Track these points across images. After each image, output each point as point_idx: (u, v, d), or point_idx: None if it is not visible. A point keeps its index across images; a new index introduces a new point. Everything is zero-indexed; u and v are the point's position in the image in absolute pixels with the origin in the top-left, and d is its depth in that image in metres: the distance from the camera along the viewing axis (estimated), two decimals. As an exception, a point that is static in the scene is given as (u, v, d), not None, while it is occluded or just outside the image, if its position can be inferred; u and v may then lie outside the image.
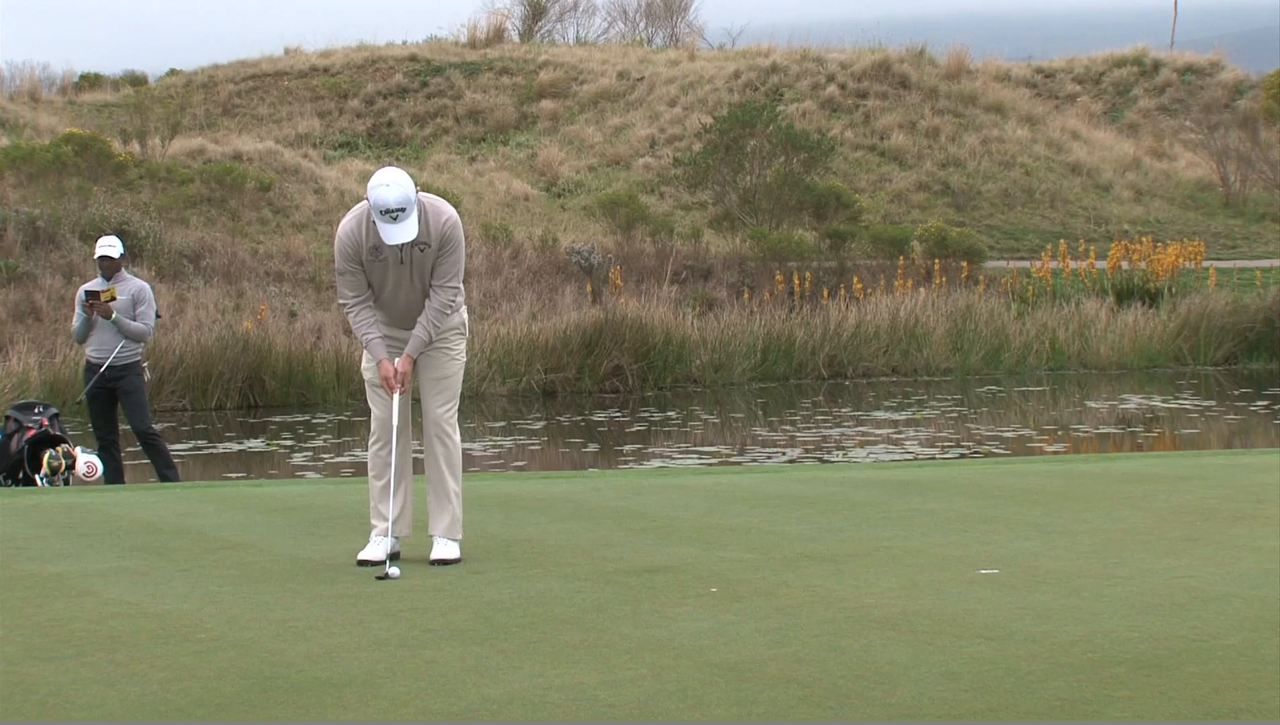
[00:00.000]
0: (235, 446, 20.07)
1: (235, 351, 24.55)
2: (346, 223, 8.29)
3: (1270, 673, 5.59)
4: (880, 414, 22.43)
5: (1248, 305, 29.52)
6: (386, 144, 44.51)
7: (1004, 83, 47.76)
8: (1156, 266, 31.63)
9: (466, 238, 30.77)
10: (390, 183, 7.99)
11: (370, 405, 8.58)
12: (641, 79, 46.91)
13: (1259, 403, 22.89)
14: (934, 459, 16.92)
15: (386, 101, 46.53)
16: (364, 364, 8.58)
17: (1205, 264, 32.64)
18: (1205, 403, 23.28)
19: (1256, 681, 5.49)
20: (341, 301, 8.45)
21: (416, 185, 8.20)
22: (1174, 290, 30.84)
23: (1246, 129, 43.38)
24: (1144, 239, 33.80)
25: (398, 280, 8.29)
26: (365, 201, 8.16)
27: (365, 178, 38.84)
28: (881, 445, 18.65)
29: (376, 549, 8.32)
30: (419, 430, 8.71)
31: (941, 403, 23.90)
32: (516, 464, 17.66)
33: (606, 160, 42.71)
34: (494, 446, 19.31)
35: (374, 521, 8.48)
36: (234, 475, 17.04)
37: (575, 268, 32.16)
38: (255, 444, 20.22)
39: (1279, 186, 42.26)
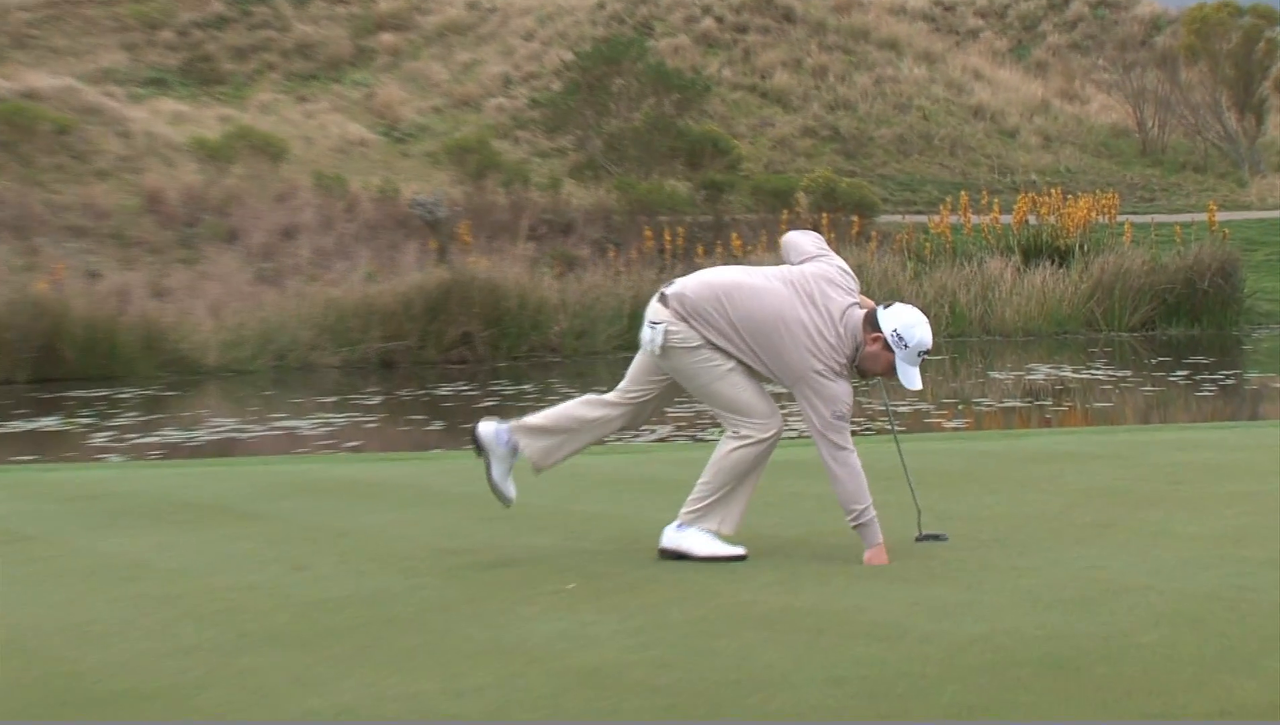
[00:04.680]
0: (25, 425, 19.78)
1: (26, 317, 24.20)
2: (838, 364, 7.86)
3: (1187, 673, 5.65)
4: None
5: (1166, 264, 29.96)
6: (203, 81, 43.99)
7: (899, 16, 48.13)
8: (1066, 221, 31.99)
9: (295, 188, 30.18)
10: (927, 321, 7.97)
11: (756, 397, 8.08)
12: (494, 10, 46.76)
13: (1179, 373, 23.22)
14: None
15: (203, 33, 46.00)
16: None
17: (1120, 218, 33.06)
18: (1120, 373, 23.59)
19: (1172, 683, 5.54)
20: (851, 451, 7.87)
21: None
22: (1086, 248, 31.21)
23: (1165, 68, 44.02)
24: (1053, 190, 34.20)
25: None
26: (833, 336, 7.81)
27: (177, 120, 38.44)
28: (762, 421, 18.69)
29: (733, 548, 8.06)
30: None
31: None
32: (350, 444, 17.54)
33: (454, 101, 42.51)
34: (325, 424, 19.17)
35: (718, 525, 8.07)
36: (24, 458, 16.77)
37: (418, 222, 31.99)
38: (49, 422, 19.94)
39: (1201, 133, 42.90)
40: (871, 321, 7.85)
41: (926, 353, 7.94)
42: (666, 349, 7.93)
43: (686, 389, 8.11)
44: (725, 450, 8.00)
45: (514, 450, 8.21)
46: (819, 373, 7.75)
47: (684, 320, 7.90)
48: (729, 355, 7.91)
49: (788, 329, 7.79)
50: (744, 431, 7.96)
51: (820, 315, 7.82)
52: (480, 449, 8.18)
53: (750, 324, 7.84)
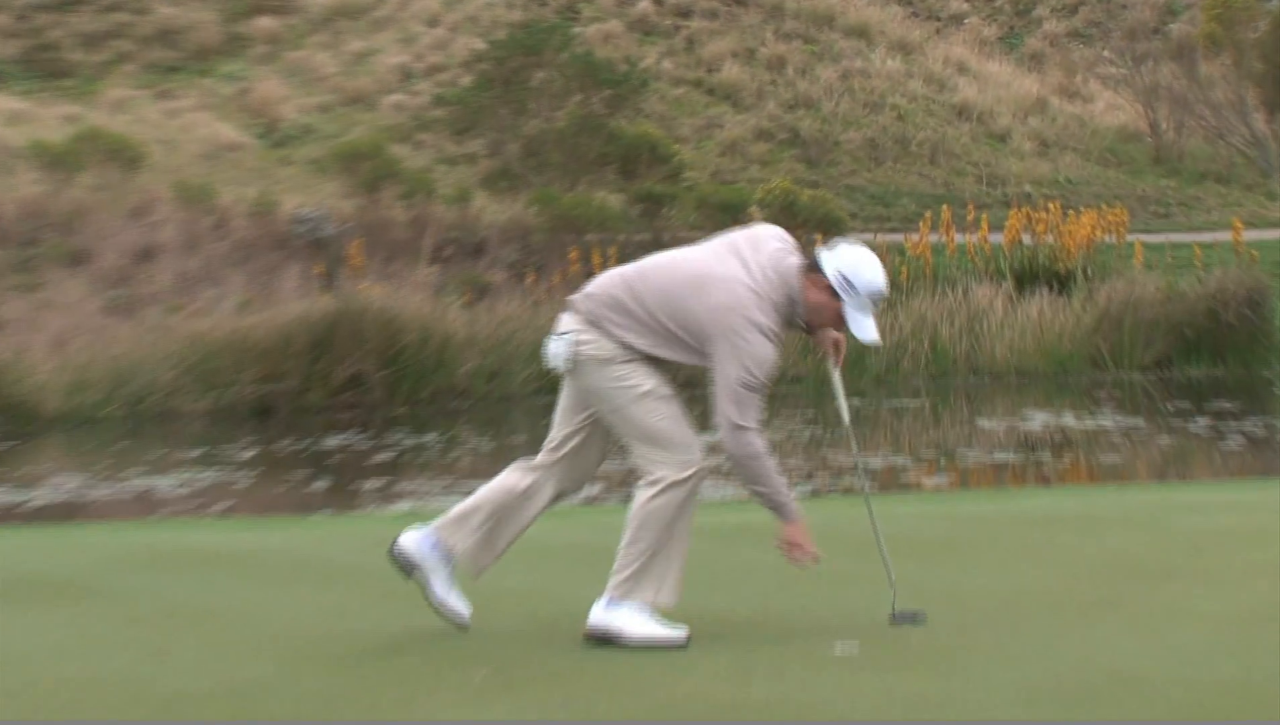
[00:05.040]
0: None
1: None
2: (766, 317, 7.89)
3: (1210, 779, 5.67)
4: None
5: (1184, 292, 30.05)
6: (46, 74, 43.81)
7: (870, -1, 48.31)
8: (1067, 241, 32.12)
9: (154, 201, 30.02)
10: (879, 262, 8.01)
11: (675, 426, 8.24)
12: (391, -11, 46.78)
13: (1200, 420, 23.33)
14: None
15: (47, 17, 45.82)
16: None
17: (1130, 237, 33.22)
18: (1131, 421, 23.69)
19: (1192, 791, 5.56)
20: (753, 431, 8.00)
21: None
22: (1090, 272, 31.34)
23: (1182, 61, 44.25)
24: (1051, 204, 34.32)
25: None
26: (759, 284, 7.86)
27: (14, 119, 38.30)
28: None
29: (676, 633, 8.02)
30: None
31: (787, 422, 24.06)
32: (218, 506, 17.47)
33: (344, 98, 42.47)
34: (188, 483, 19.09)
35: (654, 595, 8.07)
36: None
37: (301, 242, 31.92)
38: None
39: (1224, 136, 43.15)
40: (813, 265, 7.94)
41: (880, 297, 8.02)
42: (577, 363, 7.97)
43: (601, 415, 8.09)
44: (642, 500, 8.00)
45: (448, 556, 8.16)
46: (736, 329, 7.81)
47: (594, 325, 7.95)
48: (647, 362, 8.03)
49: (702, 287, 7.88)
50: (658, 473, 7.97)
51: (743, 265, 7.92)
52: (408, 568, 8.14)
53: (663, 298, 7.96)
